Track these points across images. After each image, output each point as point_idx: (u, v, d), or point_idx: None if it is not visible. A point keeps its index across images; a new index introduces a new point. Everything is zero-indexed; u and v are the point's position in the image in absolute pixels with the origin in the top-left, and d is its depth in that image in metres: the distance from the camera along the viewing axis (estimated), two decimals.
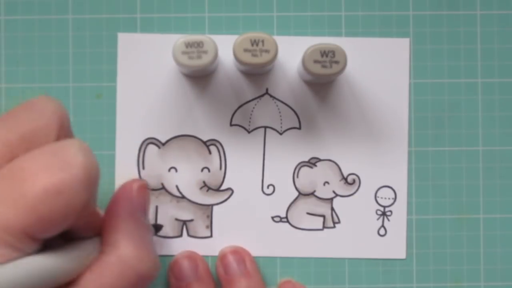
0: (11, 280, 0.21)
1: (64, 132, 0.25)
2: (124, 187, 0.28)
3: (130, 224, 0.27)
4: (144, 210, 0.28)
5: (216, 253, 0.36)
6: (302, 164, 0.36)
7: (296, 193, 0.36)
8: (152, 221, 0.36)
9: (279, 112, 0.36)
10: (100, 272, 0.25)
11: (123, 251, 0.26)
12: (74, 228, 0.25)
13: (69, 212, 0.22)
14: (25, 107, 0.25)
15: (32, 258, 0.22)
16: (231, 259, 0.35)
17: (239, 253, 0.35)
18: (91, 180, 0.23)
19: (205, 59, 0.32)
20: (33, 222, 0.22)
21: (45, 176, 0.22)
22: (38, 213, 0.22)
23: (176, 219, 0.36)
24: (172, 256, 0.36)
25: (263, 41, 0.32)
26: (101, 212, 0.28)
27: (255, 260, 0.36)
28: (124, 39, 0.36)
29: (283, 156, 0.36)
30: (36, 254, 0.23)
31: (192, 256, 0.35)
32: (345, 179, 0.37)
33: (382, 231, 0.36)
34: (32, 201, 0.22)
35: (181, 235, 0.36)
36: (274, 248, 0.36)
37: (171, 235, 0.36)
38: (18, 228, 0.22)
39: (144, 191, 0.28)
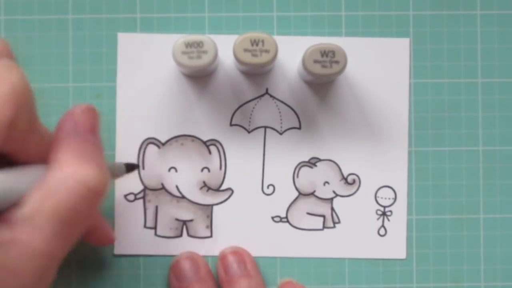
0: None
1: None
2: (68, 111, 0.28)
3: (74, 142, 0.26)
4: (90, 130, 0.27)
5: (216, 253, 0.36)
6: (302, 164, 0.36)
7: (296, 193, 0.36)
8: (152, 220, 0.36)
9: (279, 112, 0.36)
10: (44, 189, 0.24)
11: (66, 166, 0.25)
12: (16, 152, 0.25)
13: None
14: None
15: None
16: (231, 259, 0.35)
17: (240, 254, 0.35)
18: (18, 97, 0.22)
19: (205, 59, 0.32)
20: None
21: None
22: None
23: (176, 219, 0.36)
24: (172, 256, 0.36)
25: (263, 41, 0.32)
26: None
27: (255, 260, 0.36)
28: (124, 39, 0.36)
29: (283, 156, 0.36)
30: None
31: (193, 257, 0.35)
32: (345, 179, 0.37)
33: (382, 231, 0.36)
34: None
35: (181, 235, 0.36)
36: (274, 248, 0.36)
37: (171, 235, 0.36)
38: None
39: (89, 111, 0.28)
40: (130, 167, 0.34)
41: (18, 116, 0.23)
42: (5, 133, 0.23)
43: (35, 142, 0.26)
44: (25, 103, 0.23)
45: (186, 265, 0.35)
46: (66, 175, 0.25)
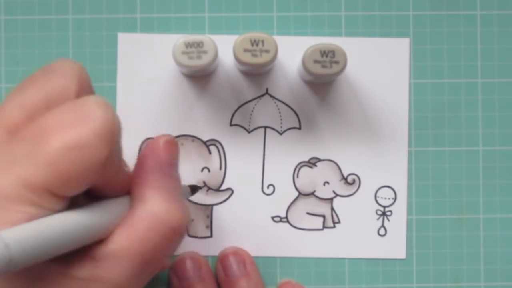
0: (37, 237, 0.21)
1: (84, 91, 0.25)
2: (151, 142, 0.27)
3: (158, 178, 0.26)
4: (172, 164, 0.27)
5: (216, 253, 0.36)
6: (302, 164, 0.36)
7: (296, 193, 0.36)
8: None
9: (279, 112, 0.36)
10: (129, 227, 0.24)
11: (152, 205, 0.25)
12: (103, 187, 0.25)
13: (89, 167, 0.22)
14: (43, 70, 0.25)
15: (58, 215, 0.22)
16: (231, 260, 0.35)
17: (240, 255, 0.35)
18: (111, 134, 0.23)
19: (205, 59, 0.32)
20: (53, 178, 0.22)
21: (63, 132, 0.22)
22: (57, 168, 0.22)
23: None
24: (172, 256, 0.36)
25: (263, 41, 0.32)
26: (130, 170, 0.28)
27: (255, 261, 0.36)
28: (124, 39, 0.36)
29: (283, 156, 0.36)
30: (63, 212, 0.22)
31: (195, 257, 0.35)
32: (345, 179, 0.37)
33: (382, 231, 0.36)
34: (51, 156, 0.22)
35: None
36: (274, 248, 0.36)
37: None
38: (38, 185, 0.22)
39: (171, 145, 0.27)
40: (194, 189, 0.34)
41: (111, 154, 0.23)
42: (100, 171, 0.23)
43: (120, 176, 0.26)
44: (117, 141, 0.23)
45: (188, 265, 0.35)
46: (152, 215, 0.25)
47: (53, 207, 0.22)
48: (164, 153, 0.27)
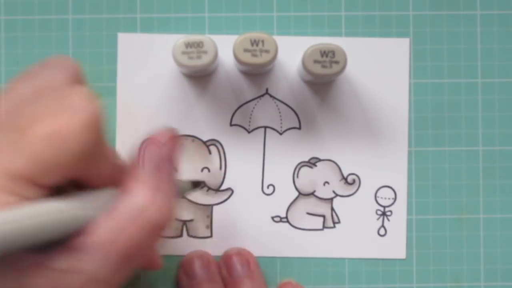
0: (16, 225, 0.21)
1: (75, 85, 0.25)
2: (152, 135, 0.27)
3: (148, 172, 0.26)
4: (169, 160, 0.27)
5: (216, 253, 0.36)
6: (302, 164, 0.36)
7: (296, 193, 0.37)
8: None
9: (279, 112, 0.36)
10: (112, 220, 0.24)
11: (136, 198, 0.25)
12: (89, 178, 0.25)
13: (71, 157, 0.22)
14: (37, 65, 0.25)
15: (39, 204, 0.22)
16: (235, 260, 0.35)
17: (243, 255, 0.35)
18: (95, 125, 0.23)
19: (205, 59, 0.32)
20: (34, 167, 0.22)
21: (46, 121, 0.22)
22: (38, 157, 0.21)
23: (176, 219, 0.36)
24: (172, 256, 0.36)
25: (263, 41, 0.32)
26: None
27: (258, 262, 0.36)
28: (124, 39, 0.36)
29: (283, 156, 0.36)
30: (45, 201, 0.22)
31: (204, 256, 0.35)
32: (345, 179, 0.37)
33: (382, 231, 0.36)
34: (32, 145, 0.22)
35: (181, 235, 0.36)
36: (274, 248, 0.36)
37: (171, 235, 0.36)
38: (19, 174, 0.21)
39: (173, 141, 0.27)
40: (196, 184, 0.34)
41: (94, 145, 0.23)
42: (82, 162, 0.23)
43: (104, 168, 0.26)
44: (101, 132, 0.23)
45: (197, 264, 0.35)
46: (135, 209, 0.25)
47: (33, 196, 0.22)
48: (163, 149, 0.27)
